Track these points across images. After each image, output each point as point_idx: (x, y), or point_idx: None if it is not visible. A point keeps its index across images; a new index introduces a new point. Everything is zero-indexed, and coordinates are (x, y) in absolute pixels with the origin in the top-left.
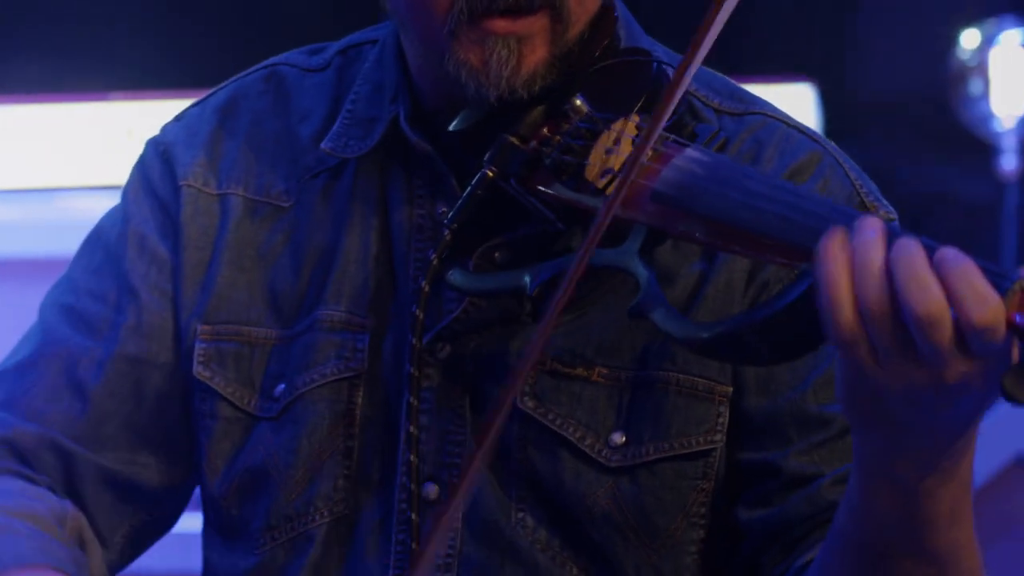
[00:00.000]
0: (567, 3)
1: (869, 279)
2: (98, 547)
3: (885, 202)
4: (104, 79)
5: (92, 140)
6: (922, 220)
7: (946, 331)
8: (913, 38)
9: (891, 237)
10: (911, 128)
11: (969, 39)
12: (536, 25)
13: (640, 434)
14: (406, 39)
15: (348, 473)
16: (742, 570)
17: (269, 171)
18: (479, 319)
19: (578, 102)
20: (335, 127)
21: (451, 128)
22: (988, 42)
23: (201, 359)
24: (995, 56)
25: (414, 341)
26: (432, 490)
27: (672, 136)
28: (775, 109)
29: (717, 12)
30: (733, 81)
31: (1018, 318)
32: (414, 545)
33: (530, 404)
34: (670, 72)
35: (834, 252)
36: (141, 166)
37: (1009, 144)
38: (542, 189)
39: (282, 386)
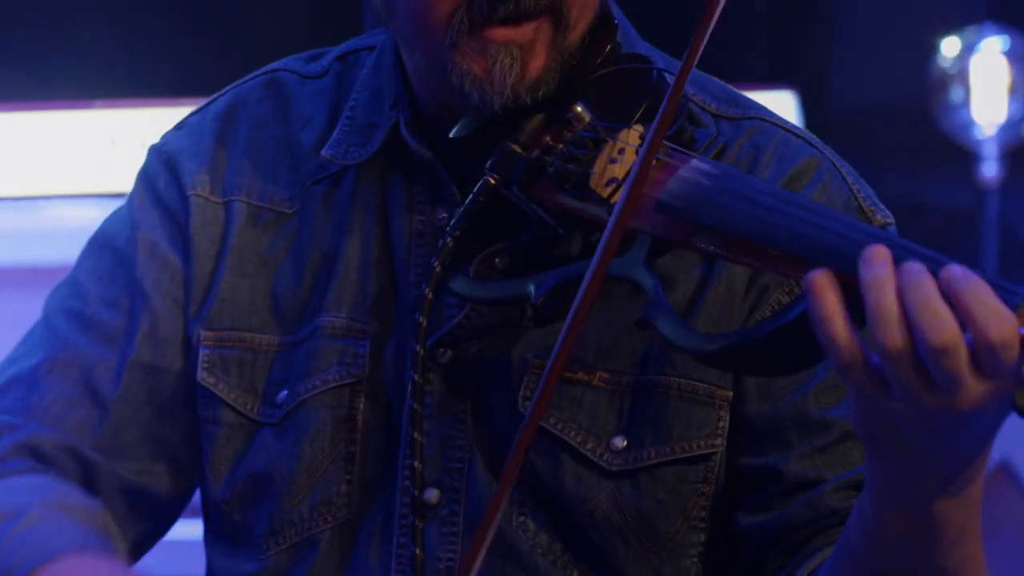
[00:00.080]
0: (567, 7)
1: (884, 321)
2: (122, 543)
3: (882, 206)
4: (88, 87)
5: (76, 148)
6: (903, 227)
7: (961, 356)
8: (894, 46)
9: (896, 265)
10: (892, 135)
11: (950, 47)
12: (537, 31)
13: (641, 438)
14: (405, 50)
15: (350, 479)
16: (743, 574)
17: (271, 178)
18: (480, 325)
19: (579, 109)
20: (335, 134)
21: (451, 135)
22: (969, 50)
23: (205, 365)
24: (976, 64)
25: (417, 348)
26: (433, 495)
27: (675, 146)
28: (772, 113)
29: (711, 17)
30: (729, 86)
31: None
32: (417, 551)
33: (529, 407)
34: (669, 79)
35: (824, 295)
36: (146, 174)
37: (990, 151)
38: (545, 197)
39: (284, 392)
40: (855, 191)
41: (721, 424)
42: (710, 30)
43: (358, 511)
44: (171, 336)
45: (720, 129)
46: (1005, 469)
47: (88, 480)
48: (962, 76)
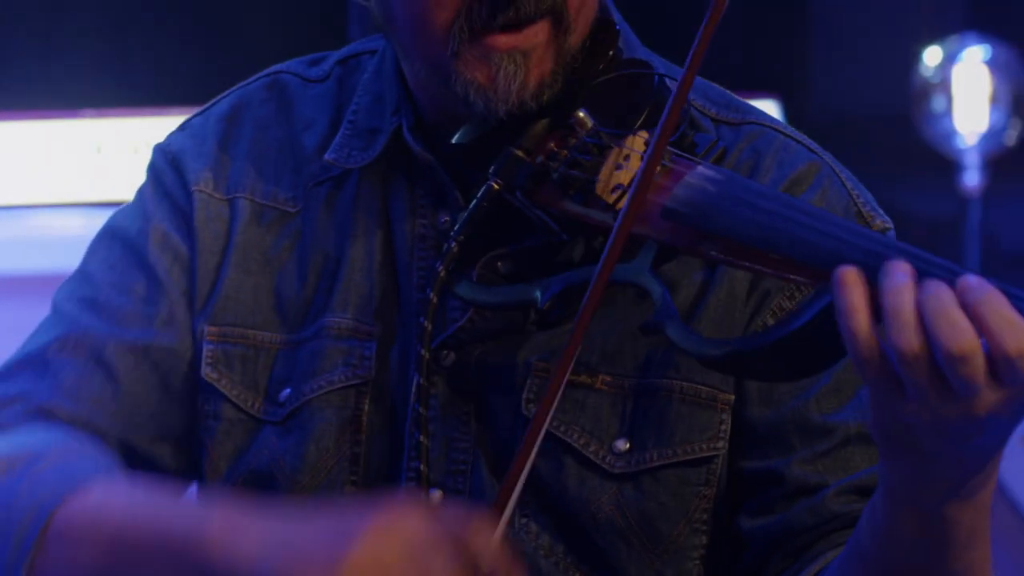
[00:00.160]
0: (567, 9)
1: (902, 326)
2: None
3: (880, 211)
4: (74, 96)
5: (61, 157)
6: None
7: (979, 364)
8: (876, 55)
9: (918, 277)
10: (874, 144)
11: (932, 56)
12: (539, 36)
13: (644, 441)
14: (406, 61)
15: (355, 479)
16: None
17: (274, 178)
18: (484, 329)
19: (581, 115)
20: (337, 138)
21: (454, 141)
22: (951, 59)
23: (209, 360)
24: (958, 73)
25: (423, 352)
26: (436, 497)
27: (679, 152)
28: (771, 119)
29: (715, 22)
30: (728, 91)
31: None
32: None
33: (534, 411)
34: (671, 84)
35: (852, 288)
36: (154, 170)
37: (972, 160)
38: (548, 202)
39: (287, 391)
40: (854, 196)
41: (723, 427)
42: (711, 33)
43: None
44: (183, 324)
45: (720, 134)
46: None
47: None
48: (944, 86)
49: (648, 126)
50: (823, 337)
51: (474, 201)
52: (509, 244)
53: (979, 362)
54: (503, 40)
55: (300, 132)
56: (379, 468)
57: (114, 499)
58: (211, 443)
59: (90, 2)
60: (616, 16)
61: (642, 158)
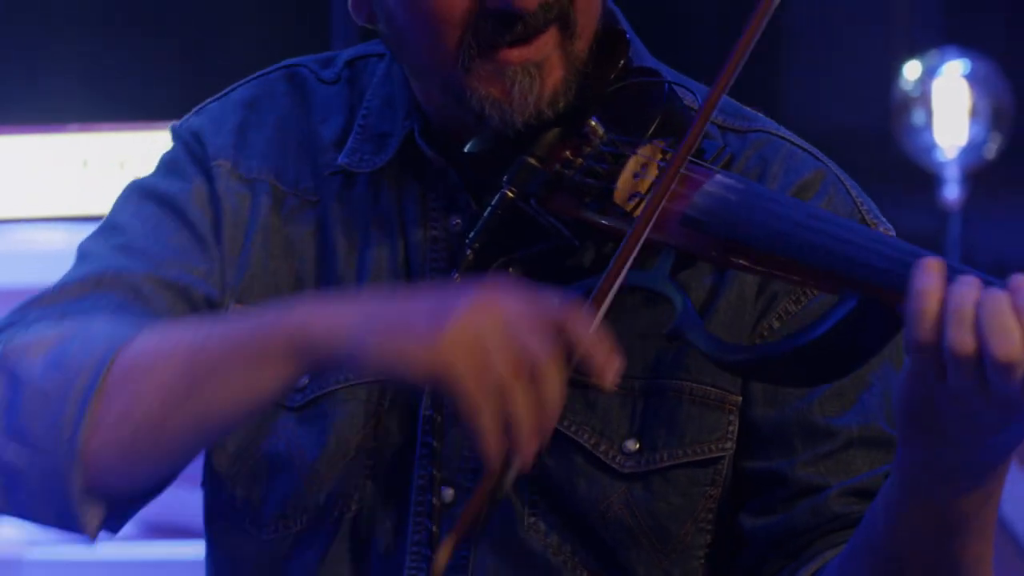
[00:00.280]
0: (574, 14)
1: (960, 322)
2: None
3: (883, 219)
4: (60, 111)
5: (48, 171)
6: None
7: (1020, 372)
8: (852, 70)
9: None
10: (854, 158)
11: (912, 70)
12: (549, 44)
13: (654, 441)
14: (417, 81)
15: (369, 473)
16: (742, 574)
17: (296, 168)
18: None
19: (593, 123)
20: (349, 142)
21: (466, 150)
22: (930, 73)
23: None
24: (938, 87)
25: None
26: (448, 493)
27: (697, 160)
28: (776, 126)
29: (753, 33)
30: (733, 99)
31: None
32: (433, 556)
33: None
34: (680, 92)
35: (935, 273)
36: (181, 141)
37: (952, 174)
38: (563, 210)
39: (305, 378)
40: (858, 203)
41: (731, 428)
42: (749, 47)
43: (374, 506)
44: (219, 283)
45: (727, 141)
46: None
47: None
48: (924, 99)
49: (660, 135)
50: (846, 343)
51: (488, 209)
52: (519, 250)
53: (1021, 370)
54: (515, 54)
55: (317, 125)
56: (392, 463)
57: (180, 327)
58: None
59: (76, 17)
60: (624, 25)
61: (659, 167)
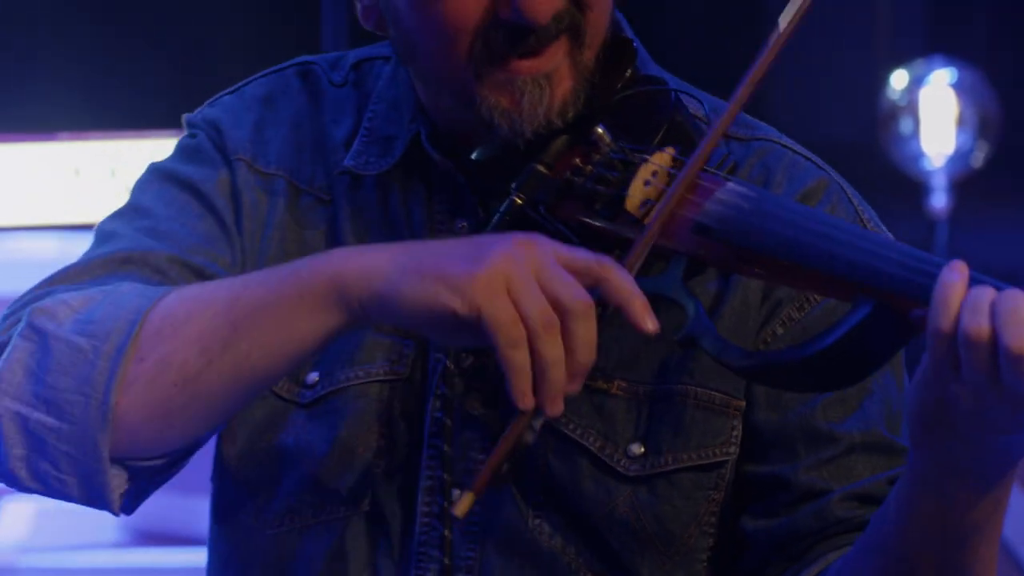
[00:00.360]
0: (584, 25)
1: (976, 310)
2: None
3: (883, 228)
4: (51, 120)
5: (39, 180)
6: None
7: None
8: (840, 79)
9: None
10: (841, 167)
11: (899, 80)
12: (559, 55)
13: (659, 445)
14: (427, 88)
15: (377, 471)
16: None
17: (311, 166)
18: None
19: (600, 131)
20: (355, 145)
21: (473, 158)
22: (918, 82)
23: None
24: (925, 96)
25: (448, 363)
26: (457, 495)
27: (710, 168)
28: (779, 135)
29: (778, 47)
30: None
31: None
32: (446, 560)
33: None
34: (686, 101)
35: (961, 273)
36: (202, 130)
37: (939, 182)
38: (572, 217)
39: (315, 374)
40: (860, 212)
41: (735, 433)
42: (769, 59)
43: (382, 504)
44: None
45: (730, 148)
46: None
47: None
48: (911, 108)
49: (668, 143)
50: (859, 349)
51: (497, 216)
52: None
53: None
54: (525, 65)
55: (329, 124)
56: (401, 463)
57: (213, 283)
58: None
59: (67, 26)
60: (629, 33)
61: (670, 174)
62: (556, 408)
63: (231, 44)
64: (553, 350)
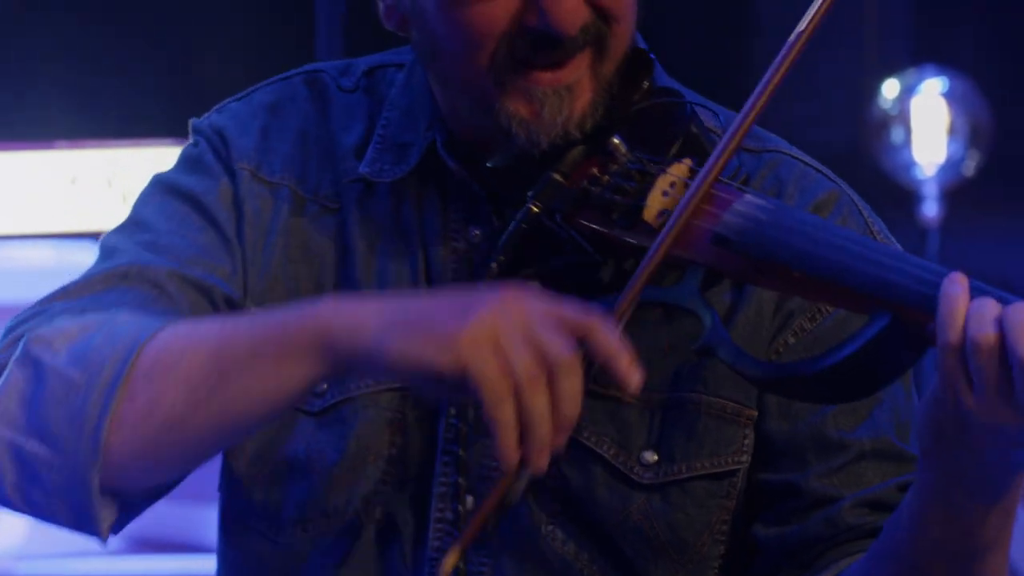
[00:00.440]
0: (610, 38)
1: (982, 320)
2: None
3: (893, 240)
4: (47, 128)
5: (36, 188)
6: None
7: None
8: (834, 88)
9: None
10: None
11: (890, 89)
12: (581, 67)
13: (672, 453)
14: (447, 90)
15: (389, 479)
16: None
17: (316, 174)
18: None
19: (616, 142)
20: (369, 152)
21: (489, 165)
22: (909, 91)
23: None
24: (916, 105)
25: None
26: (470, 502)
27: (724, 179)
28: (789, 147)
29: (793, 57)
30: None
31: None
32: (460, 566)
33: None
34: (701, 113)
35: (962, 284)
36: (206, 138)
37: (930, 191)
38: (587, 226)
39: (324, 384)
40: (870, 223)
41: (746, 442)
42: (785, 68)
43: (394, 511)
44: (241, 284)
45: (741, 161)
46: None
47: None
48: (903, 117)
49: (684, 154)
50: (874, 362)
51: (513, 224)
52: (541, 265)
53: None
54: (547, 77)
55: (338, 132)
56: (413, 470)
57: (206, 323)
58: None
59: (63, 34)
60: (643, 45)
61: (686, 185)
62: (542, 463)
63: (228, 54)
64: (539, 405)
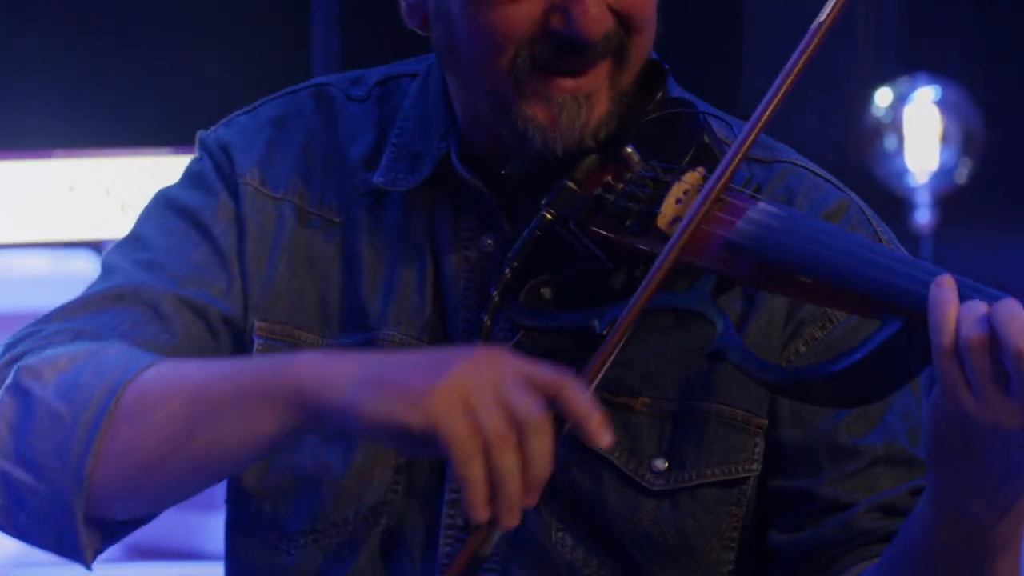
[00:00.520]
0: (631, 48)
1: (973, 320)
2: None
3: (901, 247)
4: (45, 137)
5: (34, 197)
6: None
7: None
8: (827, 96)
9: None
10: None
11: (883, 97)
12: (600, 76)
13: (682, 460)
14: (465, 91)
15: (397, 488)
16: None
17: (321, 187)
18: (532, 349)
19: (630, 150)
20: (383, 161)
21: (504, 172)
22: (902, 100)
23: (259, 353)
24: (909, 113)
25: None
26: None
27: (736, 187)
28: (800, 157)
29: (802, 65)
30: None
31: None
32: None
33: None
34: (714, 123)
35: (950, 288)
36: (209, 153)
37: (923, 199)
38: (601, 233)
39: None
40: (879, 232)
41: (757, 450)
42: (793, 76)
43: (403, 519)
44: (240, 300)
45: (752, 171)
46: None
47: None
48: (896, 125)
49: (696, 163)
50: (885, 366)
51: (527, 231)
52: (554, 272)
53: None
54: (567, 84)
55: (345, 144)
56: (421, 478)
57: (188, 366)
58: None
59: (60, 43)
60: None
61: (699, 191)
62: (512, 521)
63: (226, 63)
64: (508, 464)
